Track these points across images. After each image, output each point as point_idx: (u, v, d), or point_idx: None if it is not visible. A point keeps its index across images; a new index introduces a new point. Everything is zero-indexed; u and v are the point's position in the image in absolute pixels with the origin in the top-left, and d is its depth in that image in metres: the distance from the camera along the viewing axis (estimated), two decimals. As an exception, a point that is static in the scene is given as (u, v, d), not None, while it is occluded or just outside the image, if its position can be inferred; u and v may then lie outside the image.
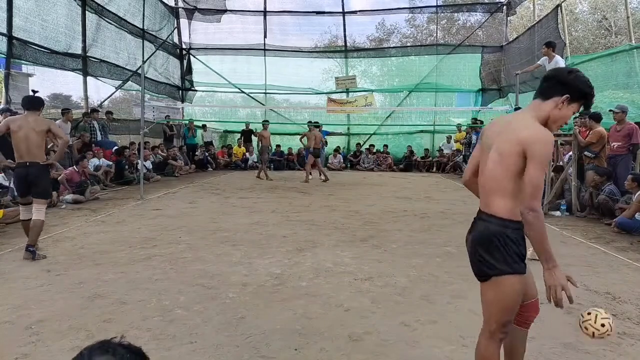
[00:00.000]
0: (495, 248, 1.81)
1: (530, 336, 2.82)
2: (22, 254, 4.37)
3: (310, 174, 11.90)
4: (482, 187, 1.94)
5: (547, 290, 1.75)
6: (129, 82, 13.20)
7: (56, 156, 5.05)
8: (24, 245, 4.45)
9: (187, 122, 15.83)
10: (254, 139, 16.27)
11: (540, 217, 1.70)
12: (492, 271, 1.83)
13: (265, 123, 12.49)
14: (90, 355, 0.95)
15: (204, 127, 16.37)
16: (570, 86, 1.83)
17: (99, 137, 10.88)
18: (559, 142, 7.64)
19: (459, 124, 15.93)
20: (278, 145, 16.35)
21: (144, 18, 14.12)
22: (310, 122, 13.09)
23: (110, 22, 12.38)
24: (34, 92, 5.45)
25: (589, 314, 1.93)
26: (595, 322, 1.90)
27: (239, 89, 17.54)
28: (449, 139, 16.03)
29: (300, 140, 13.24)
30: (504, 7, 16.26)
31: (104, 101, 12.92)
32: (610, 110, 7.28)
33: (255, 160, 16.06)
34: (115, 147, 11.07)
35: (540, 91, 1.89)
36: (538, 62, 8.28)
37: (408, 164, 16.03)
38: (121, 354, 0.97)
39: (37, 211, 4.53)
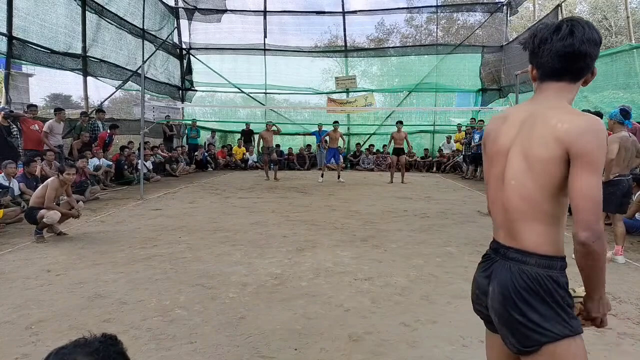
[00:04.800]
0: (542, 301, 1.29)
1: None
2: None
3: (322, 175, 11.94)
4: (503, 210, 1.41)
5: (588, 319, 1.39)
6: (129, 82, 13.19)
7: None
8: (24, 245, 4.61)
9: (190, 121, 15.82)
10: (255, 138, 16.30)
11: (605, 244, 1.25)
12: (543, 336, 1.28)
13: (268, 124, 12.37)
14: None
15: (212, 134, 16.53)
16: (593, 59, 1.38)
17: None
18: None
19: (459, 124, 15.93)
20: (277, 145, 16.35)
21: (144, 18, 14.12)
22: (336, 122, 12.58)
23: (110, 22, 12.38)
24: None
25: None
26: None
27: (239, 89, 17.54)
28: (448, 139, 16.04)
29: (324, 140, 12.89)
30: (504, 7, 16.26)
31: (104, 101, 12.91)
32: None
33: (255, 160, 16.07)
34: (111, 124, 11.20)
35: (564, 72, 1.38)
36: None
37: (408, 163, 16.03)
38: None
39: None
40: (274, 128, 12.26)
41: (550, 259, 1.31)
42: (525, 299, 1.30)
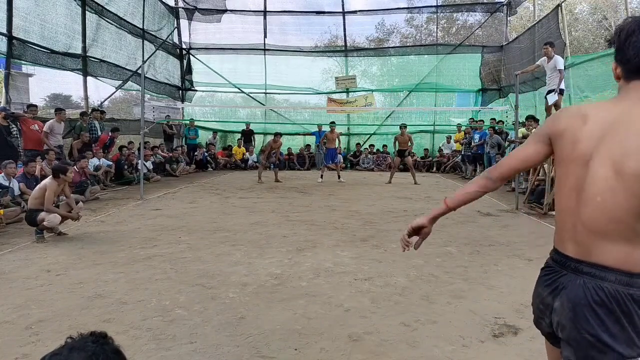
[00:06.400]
0: (616, 321, 1.18)
1: (530, 336, 2.84)
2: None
3: (321, 176, 11.91)
4: (579, 226, 1.25)
5: None
6: (129, 82, 13.19)
7: None
8: (24, 245, 4.71)
9: (188, 121, 15.81)
10: (255, 138, 16.26)
11: None
12: (609, 358, 1.19)
13: (277, 134, 11.91)
14: None
15: (214, 135, 16.48)
16: None
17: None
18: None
19: (459, 124, 15.93)
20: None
21: (143, 18, 14.12)
22: (333, 122, 12.60)
23: (110, 22, 12.38)
24: None
25: None
26: None
27: (239, 89, 17.54)
28: (448, 139, 16.04)
29: (322, 142, 12.87)
30: (504, 7, 16.27)
31: (104, 101, 12.92)
32: None
33: (255, 160, 16.05)
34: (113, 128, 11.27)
35: None
36: (537, 63, 8.28)
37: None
38: None
39: None
40: (281, 140, 12.14)
41: (632, 276, 1.19)
42: (599, 317, 1.19)
